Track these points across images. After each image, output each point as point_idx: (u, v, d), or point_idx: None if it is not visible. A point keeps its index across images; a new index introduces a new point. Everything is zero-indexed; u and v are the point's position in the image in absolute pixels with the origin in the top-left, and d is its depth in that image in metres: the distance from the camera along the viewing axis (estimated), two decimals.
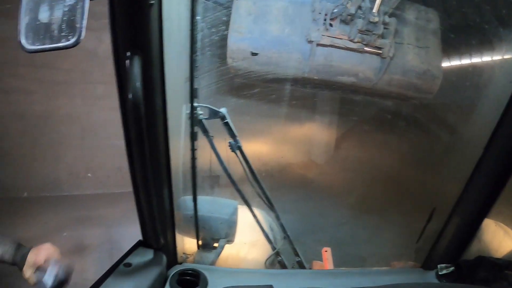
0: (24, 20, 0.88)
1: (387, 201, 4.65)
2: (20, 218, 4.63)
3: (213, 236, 1.48)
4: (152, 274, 1.10)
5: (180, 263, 1.31)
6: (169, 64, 0.91)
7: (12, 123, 5.40)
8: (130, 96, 0.76)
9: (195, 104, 1.06)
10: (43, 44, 0.90)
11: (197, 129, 1.11)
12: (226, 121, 1.21)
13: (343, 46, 3.09)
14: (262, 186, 1.39)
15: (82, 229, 4.54)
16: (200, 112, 1.13)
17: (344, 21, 3.00)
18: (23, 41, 0.88)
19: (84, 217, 4.89)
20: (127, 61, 0.80)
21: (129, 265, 1.09)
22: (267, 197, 1.44)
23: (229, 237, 1.52)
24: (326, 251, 2.00)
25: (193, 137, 1.09)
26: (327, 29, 3.04)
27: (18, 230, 4.24)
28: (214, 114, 1.18)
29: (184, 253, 1.40)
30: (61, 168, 5.66)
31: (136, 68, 0.78)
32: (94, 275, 3.17)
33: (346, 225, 4.33)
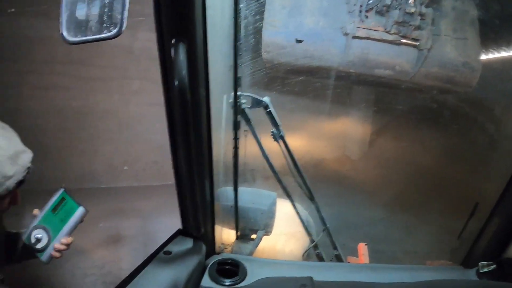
0: (65, 13, 0.90)
1: (423, 198, 4.54)
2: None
3: (251, 227, 1.47)
4: (191, 263, 1.11)
5: (218, 253, 1.32)
6: (212, 51, 0.90)
7: (51, 119, 5.57)
8: (176, 83, 0.75)
9: (239, 93, 1.06)
10: (85, 36, 0.91)
11: (239, 118, 1.10)
12: (269, 110, 1.20)
13: (379, 38, 3.02)
14: (304, 176, 1.38)
15: (117, 221, 4.64)
16: (243, 100, 1.12)
17: (379, 13, 2.93)
18: (65, 34, 0.90)
19: (120, 209, 4.99)
20: (172, 49, 0.80)
21: (169, 253, 1.10)
22: (308, 188, 1.42)
23: (267, 229, 1.52)
24: (362, 246, 1.97)
25: (236, 126, 1.09)
26: (362, 21, 2.98)
27: None
28: (257, 103, 1.17)
29: (222, 244, 1.40)
30: (98, 161, 5.81)
31: (181, 55, 0.78)
32: (128, 265, 3.25)
33: (380, 222, 4.26)
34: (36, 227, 1.28)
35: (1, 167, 1.14)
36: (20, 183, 1.20)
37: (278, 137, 1.23)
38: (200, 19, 0.86)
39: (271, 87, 2.94)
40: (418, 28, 2.93)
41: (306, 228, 1.55)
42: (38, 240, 1.27)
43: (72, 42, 0.91)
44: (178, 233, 1.20)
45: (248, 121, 1.14)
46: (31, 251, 1.31)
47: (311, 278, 1.15)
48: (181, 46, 0.80)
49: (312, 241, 1.61)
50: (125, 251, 4.11)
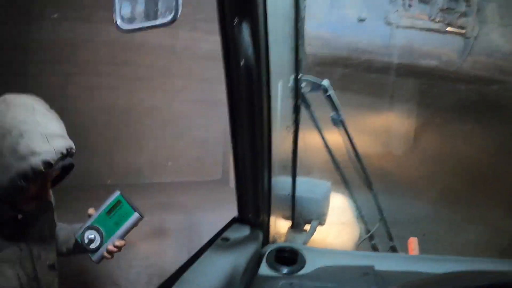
0: (118, 2, 0.90)
1: (470, 195, 4.37)
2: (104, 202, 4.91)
3: (305, 217, 1.45)
4: (249, 250, 1.10)
5: (272, 242, 1.30)
6: (272, 32, 0.88)
7: (96, 117, 5.76)
8: (242, 62, 0.74)
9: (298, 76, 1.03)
10: (140, 23, 0.91)
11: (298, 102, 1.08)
12: (328, 93, 1.16)
13: (423, 27, 2.90)
14: (363, 164, 1.34)
15: (162, 215, 4.68)
16: (303, 84, 1.09)
17: (423, 0, 2.82)
18: (119, 22, 0.90)
19: (164, 203, 5.07)
20: (235, 28, 0.78)
21: (226, 239, 1.10)
22: (367, 176, 1.38)
23: (321, 219, 1.49)
24: (413, 240, 1.91)
25: (297, 109, 1.06)
26: (406, 10, 2.88)
27: None
28: (316, 86, 1.14)
29: (277, 233, 1.39)
30: (143, 157, 5.96)
31: (245, 35, 0.77)
32: (172, 258, 3.30)
33: (425, 219, 4.14)
34: (89, 228, 1.29)
35: (30, 141, 1.08)
36: (47, 165, 1.10)
37: (338, 121, 1.19)
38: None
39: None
40: (464, 15, 2.80)
41: (362, 218, 1.50)
42: (91, 241, 1.28)
43: (126, 30, 0.93)
44: (234, 221, 1.19)
45: (307, 105, 1.11)
46: (82, 249, 1.32)
47: (372, 267, 1.11)
48: (244, 25, 0.78)
49: (367, 231, 1.57)
50: (168, 244, 4.22)
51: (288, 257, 1.15)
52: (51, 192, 1.39)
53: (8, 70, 5.25)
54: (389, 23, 3.02)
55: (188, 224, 4.60)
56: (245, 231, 1.15)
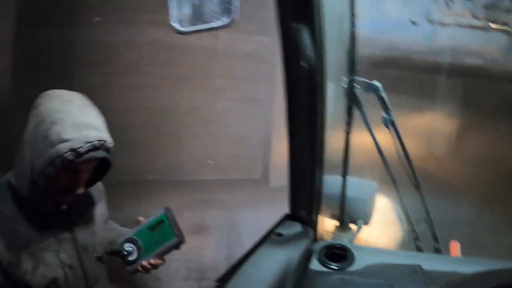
0: (174, 4, 0.94)
1: None
2: (145, 198, 4.94)
3: (351, 216, 1.47)
4: (300, 246, 1.13)
5: (319, 239, 1.33)
6: (329, 36, 0.91)
7: (138, 115, 5.95)
8: (304, 64, 0.77)
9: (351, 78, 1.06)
10: (196, 25, 0.95)
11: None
12: (380, 94, 1.18)
13: (466, 24, 2.83)
14: (412, 164, 1.34)
15: (202, 211, 4.85)
16: (357, 86, 1.12)
17: None
18: (176, 24, 0.93)
19: (204, 200, 5.21)
20: (295, 32, 0.82)
21: (280, 235, 1.13)
22: (415, 176, 1.39)
23: (366, 218, 1.51)
24: (455, 244, 1.90)
25: (350, 110, 1.09)
26: (448, 7, 2.81)
27: (143, 208, 4.63)
28: (368, 87, 1.16)
29: (324, 231, 1.41)
30: (183, 155, 6.10)
31: (305, 38, 0.80)
32: (212, 253, 3.37)
33: (467, 222, 4.04)
34: (130, 240, 1.27)
35: (61, 129, 1.08)
36: (75, 153, 1.09)
37: (389, 122, 1.21)
38: (318, 3, 0.87)
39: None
40: (508, 11, 2.70)
41: (408, 218, 1.51)
42: (129, 253, 1.26)
43: (183, 32, 0.93)
44: (286, 217, 1.23)
45: (360, 106, 1.13)
46: (120, 257, 1.30)
47: (420, 266, 1.13)
48: (304, 29, 0.82)
49: (412, 231, 1.57)
50: (208, 240, 4.31)
51: (338, 254, 1.17)
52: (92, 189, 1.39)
53: (54, 71, 5.49)
54: (431, 21, 2.96)
55: (227, 221, 4.70)
56: (296, 227, 1.19)
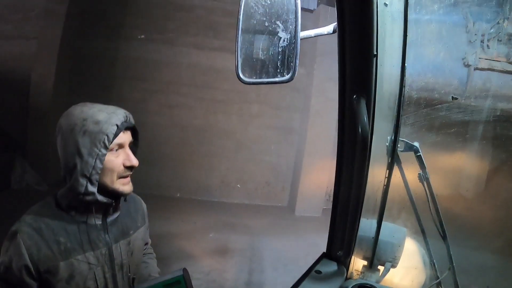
0: (240, 56, 1.07)
1: None
2: (172, 214, 5.21)
3: (380, 258, 1.57)
4: (336, 283, 1.25)
5: (349, 278, 1.44)
6: (380, 103, 1.05)
7: (174, 133, 6.15)
8: (359, 130, 0.91)
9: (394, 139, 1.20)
10: (260, 78, 1.08)
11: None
12: (419, 154, 1.32)
13: (502, 70, 2.89)
14: (440, 216, 1.46)
15: (226, 233, 4.94)
16: (398, 145, 1.25)
17: (501, 42, 2.81)
18: (241, 75, 1.06)
19: (230, 223, 5.33)
20: (354, 102, 0.96)
21: (319, 272, 1.26)
22: (442, 226, 1.50)
23: (394, 262, 1.60)
24: None
25: (391, 166, 1.22)
26: (484, 52, 2.88)
27: (170, 224, 4.78)
28: (409, 147, 1.30)
29: (355, 270, 1.52)
30: (213, 176, 6.25)
31: (363, 108, 0.94)
32: (232, 276, 3.45)
33: (492, 269, 3.99)
34: None
35: (94, 118, 1.21)
36: (115, 126, 1.22)
37: (424, 179, 1.34)
38: (373, 77, 1.01)
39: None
40: None
41: (433, 265, 1.61)
42: None
43: (247, 82, 1.04)
44: (323, 256, 1.35)
45: (399, 164, 1.27)
46: None
47: None
48: (362, 100, 0.96)
49: (436, 277, 1.66)
50: (230, 263, 4.36)
51: None
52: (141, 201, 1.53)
53: (95, 82, 5.79)
54: (467, 65, 3.04)
55: (251, 246, 4.78)
56: (332, 266, 1.31)
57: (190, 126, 6.16)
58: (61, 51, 5.53)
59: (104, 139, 1.20)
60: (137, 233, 1.45)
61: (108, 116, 1.23)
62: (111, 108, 1.28)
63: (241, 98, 6.16)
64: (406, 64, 1.10)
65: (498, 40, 2.82)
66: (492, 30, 2.76)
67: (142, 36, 6.02)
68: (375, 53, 0.96)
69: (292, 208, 6.15)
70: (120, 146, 1.27)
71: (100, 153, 1.20)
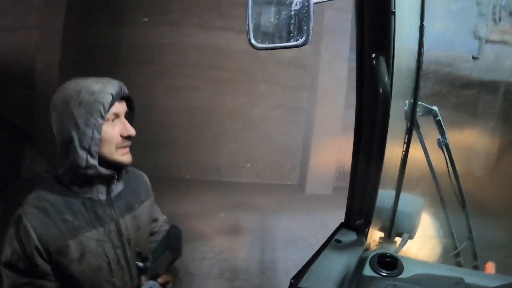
0: (252, 22, 1.03)
1: None
2: (182, 195, 5.22)
3: (397, 229, 1.55)
4: (356, 253, 1.23)
5: (368, 249, 1.42)
6: (398, 64, 1.01)
7: (181, 116, 6.13)
8: (380, 91, 0.87)
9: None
10: (273, 43, 1.04)
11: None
12: (438, 118, 1.28)
13: None
14: (460, 184, 1.43)
15: (237, 213, 4.96)
16: (418, 109, 1.21)
17: None
18: (253, 41, 1.02)
19: (240, 202, 5.34)
20: (374, 61, 0.92)
21: (339, 241, 1.23)
22: (462, 195, 1.47)
23: (412, 232, 1.58)
24: (491, 265, 1.93)
25: (410, 131, 1.18)
26: (496, 24, 2.81)
27: (180, 205, 4.78)
28: (427, 111, 1.26)
29: (373, 241, 1.50)
30: (222, 157, 6.25)
31: (383, 67, 0.90)
32: (244, 255, 3.47)
33: (501, 248, 3.96)
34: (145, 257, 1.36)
35: (89, 89, 1.20)
36: (110, 96, 1.22)
37: (444, 144, 1.30)
38: (392, 35, 0.97)
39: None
40: None
41: (452, 234, 1.58)
42: (140, 269, 1.34)
43: (260, 48, 1.00)
44: (341, 226, 1.32)
45: (417, 128, 1.23)
46: None
47: (462, 278, 1.20)
48: (381, 59, 0.92)
49: (455, 247, 1.64)
50: (242, 242, 4.40)
51: (389, 262, 1.26)
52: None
53: (100, 68, 5.72)
54: (478, 38, 2.97)
55: (261, 225, 4.78)
56: (352, 235, 1.29)
57: (197, 108, 6.13)
58: (65, 40, 5.48)
59: (100, 108, 1.19)
60: (141, 207, 1.45)
61: (103, 86, 1.23)
62: (105, 79, 1.27)
63: (247, 78, 6.11)
64: (424, 23, 1.05)
65: (510, 12, 2.75)
66: (504, 3, 2.69)
67: (146, 19, 5.95)
68: (393, 9, 0.92)
69: (302, 187, 6.14)
70: (116, 116, 1.27)
71: (97, 123, 1.19)
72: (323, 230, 4.23)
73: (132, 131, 1.28)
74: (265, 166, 6.30)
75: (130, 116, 1.36)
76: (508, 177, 5.27)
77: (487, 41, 2.92)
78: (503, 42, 2.94)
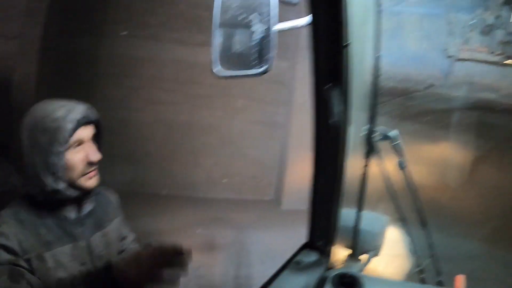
0: (216, 50, 1.07)
1: None
2: (159, 212, 5.13)
3: (362, 248, 1.59)
4: (316, 273, 1.26)
5: (331, 268, 1.45)
6: (355, 93, 1.06)
7: (158, 130, 6.09)
8: (333, 119, 0.92)
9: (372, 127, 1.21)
10: (235, 72, 1.08)
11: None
12: (397, 142, 1.33)
13: (483, 60, 2.92)
14: (420, 204, 1.48)
15: (214, 229, 4.91)
16: (376, 133, 1.26)
17: (483, 33, 2.84)
18: (216, 69, 1.07)
19: (217, 218, 5.29)
20: (328, 91, 0.97)
21: (299, 262, 1.27)
22: (423, 215, 1.52)
23: (376, 250, 1.62)
24: (460, 278, 1.98)
25: (368, 155, 1.24)
26: (466, 43, 2.91)
27: (156, 222, 4.70)
28: (386, 136, 1.31)
29: (336, 260, 1.54)
30: (199, 172, 6.21)
31: (336, 98, 0.95)
32: (221, 271, 3.46)
33: (477, 257, 4.04)
34: None
35: (53, 115, 1.21)
36: (73, 121, 1.22)
37: (403, 167, 1.36)
38: (346, 67, 1.02)
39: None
40: None
41: (415, 252, 1.63)
42: None
43: (222, 76, 1.06)
44: (304, 246, 1.36)
45: (377, 152, 1.28)
46: None
47: None
48: (335, 89, 0.97)
49: (418, 265, 1.69)
50: (219, 257, 4.37)
51: (349, 282, 1.30)
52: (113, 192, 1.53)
53: (77, 80, 5.69)
54: (449, 56, 3.07)
55: (238, 241, 4.78)
56: (313, 256, 1.32)
57: (175, 122, 6.11)
58: (43, 50, 5.37)
59: (62, 136, 1.21)
60: (111, 224, 1.48)
61: (66, 113, 1.23)
62: (70, 104, 1.27)
63: (225, 93, 6.12)
64: (380, 53, 1.11)
65: (479, 31, 2.85)
66: (473, 22, 2.78)
67: (125, 32, 5.94)
68: (346, 43, 0.97)
69: (278, 202, 6.14)
70: (80, 142, 1.28)
71: (59, 150, 1.21)
72: (299, 245, 4.12)
73: (95, 157, 1.29)
74: (242, 182, 6.28)
75: (97, 139, 1.37)
76: (481, 187, 5.40)
77: (457, 60, 3.01)
78: (472, 60, 3.03)
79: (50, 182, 1.22)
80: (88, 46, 5.82)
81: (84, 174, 1.28)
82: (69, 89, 5.45)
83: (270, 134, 6.29)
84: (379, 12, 1.09)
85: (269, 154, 6.33)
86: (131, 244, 1.66)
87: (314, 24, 0.95)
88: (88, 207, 1.38)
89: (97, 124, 1.35)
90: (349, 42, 0.98)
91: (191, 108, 6.10)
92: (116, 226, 1.52)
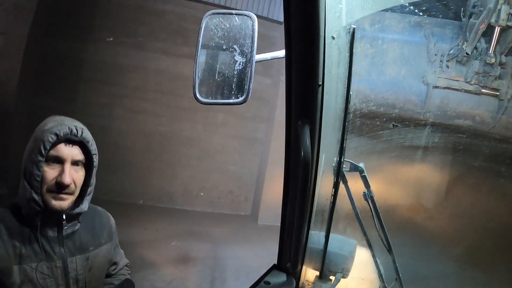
0: (198, 77, 1.14)
1: (500, 255, 4.35)
2: (135, 222, 5.12)
3: (331, 269, 1.65)
4: None
5: None
6: (325, 129, 1.14)
7: (138, 139, 6.11)
8: (302, 154, 0.99)
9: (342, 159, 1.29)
10: (215, 99, 1.15)
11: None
12: (364, 174, 1.42)
13: (459, 88, 3.06)
14: (385, 230, 1.56)
15: (189, 242, 4.94)
16: (344, 165, 1.34)
17: (460, 62, 2.98)
18: (198, 95, 1.13)
19: (193, 231, 5.32)
20: (299, 127, 1.04)
21: (268, 283, 1.32)
22: (388, 241, 1.60)
23: (345, 272, 1.69)
24: None
25: (337, 186, 1.31)
26: (443, 71, 3.04)
27: (132, 232, 4.70)
28: (354, 168, 1.39)
29: (306, 280, 1.60)
30: (176, 184, 6.23)
31: (306, 133, 1.02)
32: (194, 285, 3.47)
33: (450, 277, 4.13)
34: None
35: (43, 127, 1.25)
36: (54, 135, 1.23)
37: (369, 197, 1.44)
38: (319, 103, 1.09)
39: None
40: (499, 77, 2.94)
41: (381, 275, 1.71)
42: None
43: (203, 102, 1.11)
44: (273, 268, 1.41)
45: (345, 183, 1.36)
46: None
47: None
48: (306, 126, 1.04)
49: (384, 287, 1.77)
50: (193, 271, 4.38)
51: None
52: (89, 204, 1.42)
53: (60, 83, 5.66)
54: (426, 83, 3.19)
55: (213, 254, 4.80)
56: (282, 277, 1.38)
57: (155, 133, 6.14)
58: (28, 49, 5.29)
59: (40, 146, 1.22)
60: (98, 250, 1.44)
61: (53, 126, 1.25)
62: (63, 120, 1.29)
63: (207, 107, 6.17)
64: (350, 93, 1.19)
65: (456, 60, 2.99)
66: (451, 51, 2.91)
67: (111, 39, 5.94)
68: (320, 83, 1.04)
69: (255, 217, 6.20)
70: (58, 159, 1.26)
71: (36, 159, 1.23)
72: (274, 261, 4.13)
73: (65, 180, 1.25)
74: (219, 195, 6.34)
75: (87, 165, 1.35)
76: (456, 207, 5.53)
77: (434, 87, 3.13)
78: (449, 88, 3.15)
79: (26, 189, 1.23)
80: (73, 49, 5.82)
81: (50, 192, 1.26)
82: (51, 92, 5.45)
83: (250, 149, 6.38)
84: (351, 55, 1.16)
85: (247, 169, 6.41)
86: (121, 270, 1.64)
87: (289, 62, 1.01)
88: (73, 226, 1.35)
89: (87, 150, 1.32)
90: (322, 82, 1.05)
91: (172, 119, 6.14)
92: (105, 252, 1.48)
